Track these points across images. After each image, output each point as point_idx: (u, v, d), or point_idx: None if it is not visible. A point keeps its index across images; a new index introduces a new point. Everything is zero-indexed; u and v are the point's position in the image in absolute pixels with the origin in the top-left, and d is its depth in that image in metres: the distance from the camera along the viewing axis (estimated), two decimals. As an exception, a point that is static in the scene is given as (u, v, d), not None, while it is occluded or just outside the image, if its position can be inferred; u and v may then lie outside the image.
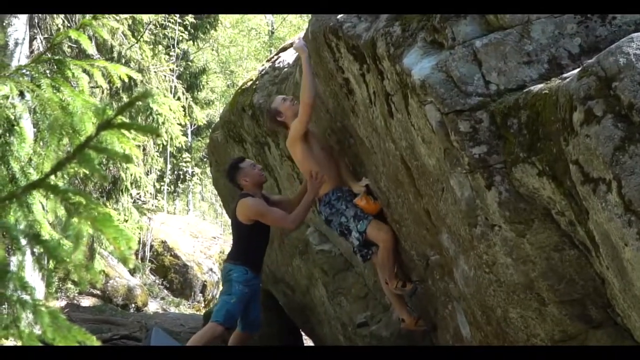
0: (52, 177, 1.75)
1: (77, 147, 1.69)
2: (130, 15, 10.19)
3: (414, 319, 4.81)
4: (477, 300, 3.59)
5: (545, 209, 2.94)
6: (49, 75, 3.04)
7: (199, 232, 17.36)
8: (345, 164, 5.14)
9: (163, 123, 10.50)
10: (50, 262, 1.75)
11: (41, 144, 3.15)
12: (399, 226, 4.58)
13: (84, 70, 3.08)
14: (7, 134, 2.97)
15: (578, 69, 2.71)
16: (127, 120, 1.83)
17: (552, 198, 2.87)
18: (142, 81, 9.72)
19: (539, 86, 2.91)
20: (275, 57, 7.18)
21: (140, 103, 10.43)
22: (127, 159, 1.81)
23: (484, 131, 3.04)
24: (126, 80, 3.33)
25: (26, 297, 1.73)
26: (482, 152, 3.06)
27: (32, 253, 1.92)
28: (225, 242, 16.82)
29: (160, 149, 14.16)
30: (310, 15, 5.19)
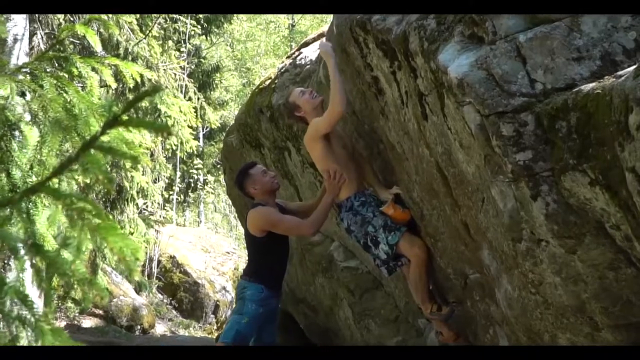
0: (54, 181, 1.78)
1: (81, 147, 1.70)
2: (139, 8, 10.32)
3: (453, 333, 4.79)
4: (522, 325, 3.57)
5: (599, 222, 2.93)
6: (53, 74, 3.08)
7: (212, 247, 17.45)
8: (372, 168, 5.15)
9: (173, 126, 10.59)
10: (51, 275, 1.78)
11: (43, 149, 3.20)
12: (434, 241, 4.57)
13: (93, 69, 3.13)
14: (7, 138, 3.02)
15: (634, 66, 2.70)
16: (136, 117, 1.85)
17: (606, 210, 2.85)
18: (151, 80, 9.83)
19: (591, 85, 2.89)
20: (297, 53, 7.22)
21: (147, 104, 10.56)
22: (135, 159, 1.82)
23: (529, 135, 3.04)
24: (139, 79, 3.37)
25: (26, 314, 1.75)
26: (527, 159, 3.05)
27: (32, 265, 1.95)
28: (240, 258, 16.90)
29: (169, 155, 14.28)
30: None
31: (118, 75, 3.30)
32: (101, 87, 8.84)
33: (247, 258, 5.47)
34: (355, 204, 4.87)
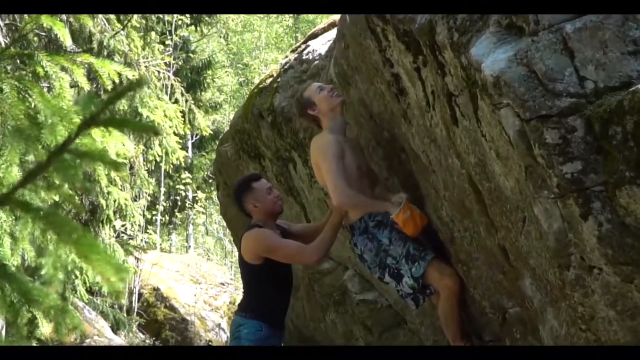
0: (21, 192, 1.79)
1: (52, 152, 1.71)
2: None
3: None
4: (570, 367, 3.57)
5: (661, 246, 2.94)
6: (14, 74, 3.12)
7: (202, 277, 17.45)
8: (385, 186, 5.18)
9: (160, 129, 10.65)
10: (18, 303, 1.80)
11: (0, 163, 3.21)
12: (467, 269, 4.58)
13: (63, 68, 3.15)
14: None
15: (702, 61, 2.72)
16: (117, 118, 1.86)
17: (670, 231, 2.86)
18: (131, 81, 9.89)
19: (651, 83, 2.91)
20: (303, 47, 7.27)
21: (125, 107, 10.61)
22: (117, 166, 1.84)
23: (577, 143, 3.05)
24: (117, 79, 3.40)
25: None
26: (576, 171, 3.06)
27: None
28: (237, 290, 16.90)
29: (152, 168, 14.34)
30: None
31: (92, 75, 3.32)
32: (71, 87, 8.90)
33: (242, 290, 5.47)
34: (370, 224, 4.86)
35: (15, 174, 3.05)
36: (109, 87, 3.41)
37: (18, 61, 4.28)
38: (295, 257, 5.16)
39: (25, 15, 9.76)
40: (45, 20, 3.21)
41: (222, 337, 15.51)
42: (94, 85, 9.80)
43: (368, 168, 5.15)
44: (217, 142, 11.36)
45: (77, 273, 9.20)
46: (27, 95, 3.04)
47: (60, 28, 3.27)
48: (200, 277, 17.32)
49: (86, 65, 3.26)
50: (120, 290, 1.62)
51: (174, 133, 11.30)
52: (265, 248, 4.99)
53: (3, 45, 9.05)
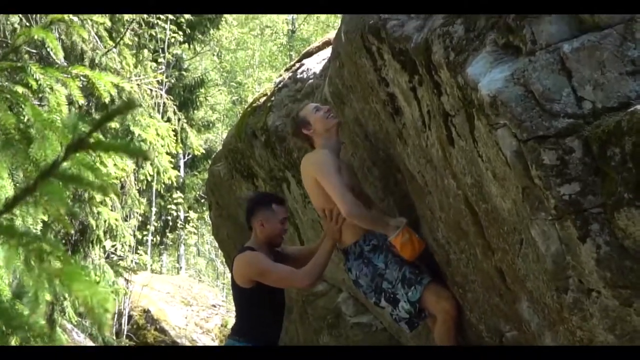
0: (6, 216, 1.79)
1: (39, 175, 1.70)
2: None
3: None
4: (568, 393, 3.56)
5: (660, 269, 2.94)
6: (5, 88, 3.11)
7: (194, 299, 17.40)
8: (379, 208, 5.17)
9: (150, 153, 10.61)
10: (4, 330, 1.78)
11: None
12: (463, 292, 4.58)
13: (58, 81, 3.14)
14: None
15: (701, 82, 2.73)
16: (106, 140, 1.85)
17: (669, 254, 2.87)
18: (129, 95, 9.87)
19: (649, 104, 2.92)
20: (297, 65, 7.29)
21: (117, 126, 10.61)
22: (104, 190, 1.83)
23: (575, 164, 3.06)
24: (114, 93, 3.38)
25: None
26: (574, 192, 3.07)
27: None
28: (229, 312, 16.84)
29: (144, 187, 14.32)
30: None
31: (86, 90, 3.30)
32: (59, 105, 8.90)
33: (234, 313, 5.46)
34: (365, 249, 4.87)
35: (4, 192, 3.03)
36: (107, 100, 3.38)
37: (9, 74, 4.28)
38: (286, 282, 5.13)
39: (18, 28, 9.78)
40: (37, 33, 3.20)
41: (213, 361, 15.43)
42: (88, 102, 9.79)
43: (361, 190, 5.15)
44: (210, 162, 11.35)
45: (66, 294, 9.15)
46: (19, 108, 3.03)
47: (52, 40, 3.26)
48: (191, 299, 17.27)
49: (81, 79, 3.25)
50: (105, 322, 1.57)
51: (166, 152, 11.27)
52: (256, 272, 4.98)
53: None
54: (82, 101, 3.53)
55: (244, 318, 5.17)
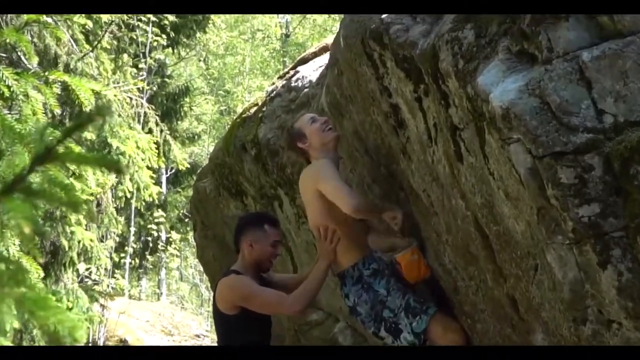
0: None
1: (1, 190, 1.68)
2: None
3: None
4: None
5: (688, 299, 2.94)
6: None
7: (176, 328, 17.36)
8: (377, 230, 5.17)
9: (127, 166, 10.59)
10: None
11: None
12: (472, 322, 4.57)
13: (33, 87, 3.12)
14: None
15: None
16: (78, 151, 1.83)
17: (698, 282, 2.87)
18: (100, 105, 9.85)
19: (676, 118, 2.93)
20: (292, 72, 7.30)
21: (93, 137, 10.60)
22: (76, 207, 1.81)
23: (595, 183, 3.06)
24: (92, 100, 3.35)
25: None
26: (594, 214, 3.07)
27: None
28: (214, 342, 16.79)
29: (122, 205, 14.30)
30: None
31: (59, 98, 3.29)
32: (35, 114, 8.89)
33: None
34: (364, 273, 4.83)
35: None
36: (88, 108, 3.36)
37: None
38: (274, 307, 5.05)
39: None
40: (9, 35, 3.19)
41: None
42: (63, 111, 9.77)
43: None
44: (195, 177, 11.34)
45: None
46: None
47: (25, 44, 3.26)
48: (172, 328, 17.22)
49: (59, 85, 3.24)
50: None
51: (147, 166, 11.27)
52: (240, 296, 4.94)
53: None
54: (57, 110, 3.53)
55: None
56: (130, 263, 20.69)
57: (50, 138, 1.72)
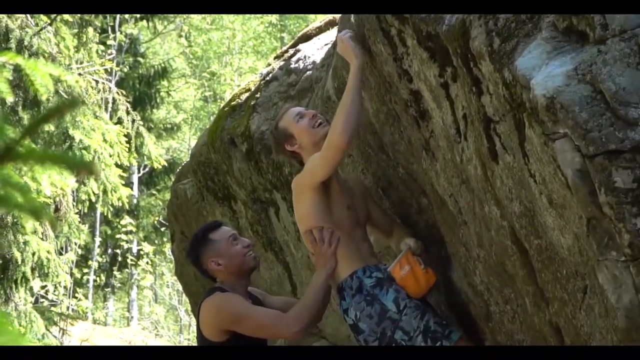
0: None
1: None
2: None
3: None
4: None
5: None
6: None
7: (149, 359, 17.39)
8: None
9: (96, 166, 10.59)
10: None
11: None
12: (507, 354, 4.58)
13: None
14: None
15: None
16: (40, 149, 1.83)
17: None
18: (61, 91, 9.86)
19: None
20: (291, 51, 7.31)
21: (52, 129, 10.61)
22: (36, 212, 1.81)
23: (657, 188, 3.07)
24: (51, 87, 3.34)
25: None
26: (655, 225, 3.08)
27: None
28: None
29: (85, 210, 14.34)
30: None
31: (11, 83, 3.28)
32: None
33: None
34: (366, 282, 4.72)
35: None
36: (45, 98, 3.36)
37: None
38: (270, 330, 4.98)
39: None
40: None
41: None
42: (16, 99, 9.76)
43: (362, 210, 5.07)
44: (173, 178, 11.37)
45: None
46: None
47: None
48: (145, 359, 17.25)
49: (11, 68, 3.24)
50: None
51: (116, 164, 11.28)
52: (230, 318, 4.90)
53: None
54: (10, 99, 3.53)
55: None
56: (95, 280, 20.73)
57: (9, 134, 1.72)
